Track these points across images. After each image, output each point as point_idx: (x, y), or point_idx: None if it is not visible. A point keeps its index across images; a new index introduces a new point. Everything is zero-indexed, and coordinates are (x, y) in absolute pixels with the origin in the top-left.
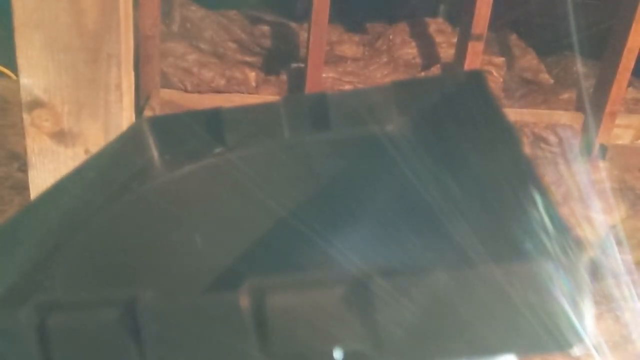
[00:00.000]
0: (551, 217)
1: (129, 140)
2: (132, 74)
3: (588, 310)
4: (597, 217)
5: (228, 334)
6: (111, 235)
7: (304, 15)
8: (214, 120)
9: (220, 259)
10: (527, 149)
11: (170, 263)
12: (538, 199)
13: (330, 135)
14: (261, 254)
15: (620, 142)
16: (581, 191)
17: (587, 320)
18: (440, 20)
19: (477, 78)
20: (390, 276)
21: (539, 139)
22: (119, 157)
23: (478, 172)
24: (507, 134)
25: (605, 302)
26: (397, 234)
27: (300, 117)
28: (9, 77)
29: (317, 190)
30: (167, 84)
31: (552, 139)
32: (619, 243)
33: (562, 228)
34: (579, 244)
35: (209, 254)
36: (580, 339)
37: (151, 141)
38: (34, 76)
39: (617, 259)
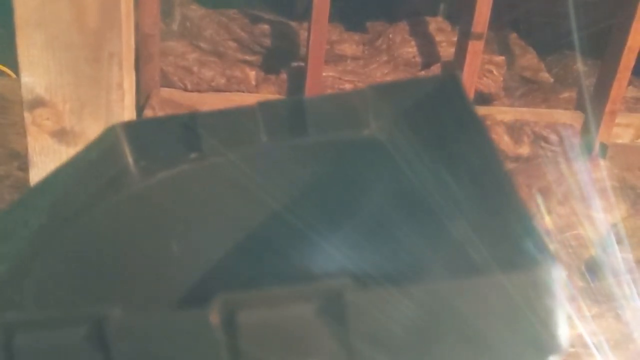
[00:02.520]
0: (524, 224)
1: (103, 147)
2: (134, 72)
3: (564, 316)
4: (597, 216)
5: (199, 351)
6: (84, 247)
7: (304, 14)
8: (189, 125)
9: (197, 268)
10: (527, 149)
11: (144, 274)
12: (511, 206)
13: (308, 140)
14: (241, 262)
15: (620, 141)
16: (582, 190)
17: (564, 327)
18: (440, 19)
19: (453, 81)
20: (365, 288)
21: (539, 138)
22: (92, 164)
23: (453, 177)
24: (481, 138)
25: (606, 301)
26: (378, 238)
27: (277, 122)
28: (9, 75)
29: (297, 195)
30: (167, 82)
31: (553, 138)
32: (619, 242)
33: (535, 235)
34: (551, 251)
35: (185, 264)
36: (559, 346)
37: (126, 147)
38: (35, 75)
39: (618, 258)
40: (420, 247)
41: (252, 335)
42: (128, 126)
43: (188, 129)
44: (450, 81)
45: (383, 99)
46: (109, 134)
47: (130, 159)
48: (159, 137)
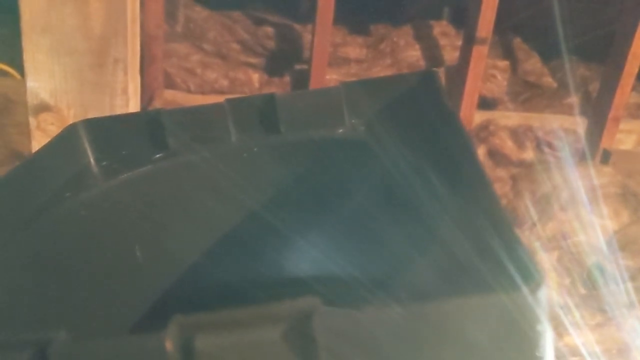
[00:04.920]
0: (507, 237)
1: (63, 145)
2: (138, 78)
3: (549, 336)
4: (599, 223)
5: None
6: (36, 257)
7: (308, 17)
8: (155, 122)
9: (164, 275)
10: (530, 154)
11: (104, 284)
12: (492, 212)
13: (281, 139)
14: (212, 267)
15: (623, 147)
16: (584, 196)
17: (549, 346)
18: (444, 23)
19: (429, 78)
20: (335, 309)
21: (542, 143)
22: (51, 163)
23: (430, 177)
24: (459, 136)
25: (608, 309)
26: (357, 238)
27: (248, 120)
28: (13, 76)
29: (270, 196)
30: (170, 84)
31: (556, 143)
32: (621, 249)
33: (518, 247)
34: (537, 265)
35: (150, 270)
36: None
37: (87, 146)
38: (40, 80)
39: (620, 265)
40: (403, 247)
41: None
42: (90, 124)
43: (153, 127)
44: (426, 78)
45: (358, 96)
46: (70, 132)
47: (91, 159)
48: (123, 136)
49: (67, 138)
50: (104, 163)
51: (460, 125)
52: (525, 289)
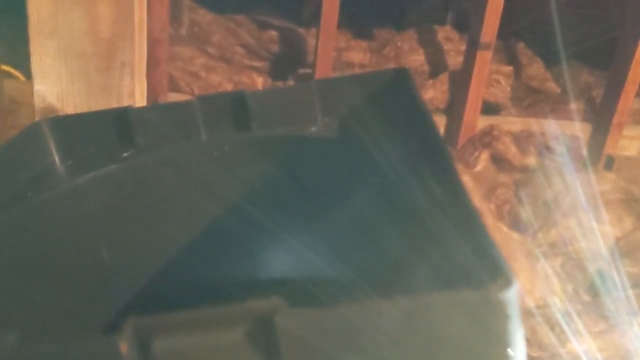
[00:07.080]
0: (479, 239)
1: (26, 143)
2: (145, 81)
3: (520, 335)
4: (603, 229)
5: None
6: None
7: (312, 21)
8: (122, 120)
9: (130, 278)
10: (533, 159)
11: (65, 286)
12: (465, 215)
13: (252, 137)
14: (176, 274)
15: (626, 153)
16: (587, 202)
17: (520, 344)
18: (448, 27)
19: (402, 76)
20: (298, 309)
21: (545, 149)
22: (12, 162)
23: (403, 177)
24: (431, 134)
25: (611, 316)
26: (323, 237)
27: (219, 117)
28: (17, 78)
29: (241, 197)
30: (174, 88)
31: (559, 148)
32: (625, 255)
33: (490, 250)
34: (504, 268)
35: (116, 272)
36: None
37: (52, 144)
38: (47, 83)
39: (623, 272)
40: (378, 244)
41: None
42: (55, 122)
43: (121, 125)
44: (399, 76)
45: (331, 93)
46: (32, 130)
47: (56, 158)
48: (89, 134)
49: (29, 137)
50: (70, 162)
51: (433, 124)
52: (493, 287)
